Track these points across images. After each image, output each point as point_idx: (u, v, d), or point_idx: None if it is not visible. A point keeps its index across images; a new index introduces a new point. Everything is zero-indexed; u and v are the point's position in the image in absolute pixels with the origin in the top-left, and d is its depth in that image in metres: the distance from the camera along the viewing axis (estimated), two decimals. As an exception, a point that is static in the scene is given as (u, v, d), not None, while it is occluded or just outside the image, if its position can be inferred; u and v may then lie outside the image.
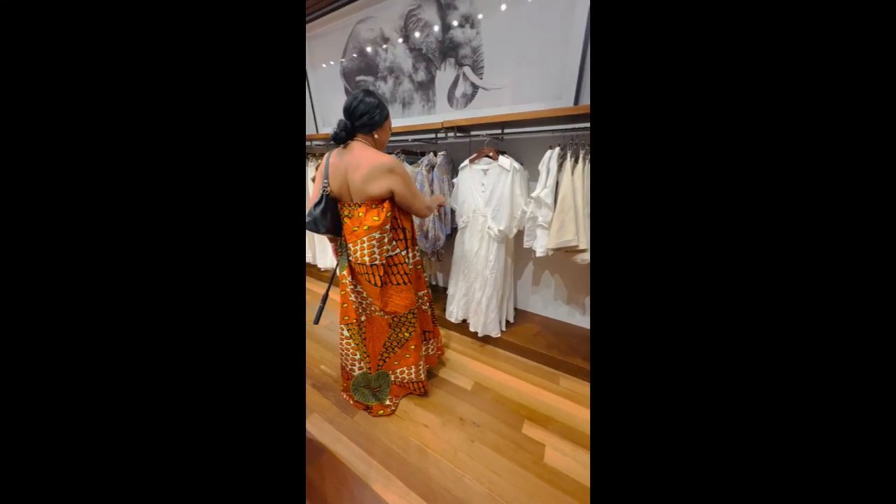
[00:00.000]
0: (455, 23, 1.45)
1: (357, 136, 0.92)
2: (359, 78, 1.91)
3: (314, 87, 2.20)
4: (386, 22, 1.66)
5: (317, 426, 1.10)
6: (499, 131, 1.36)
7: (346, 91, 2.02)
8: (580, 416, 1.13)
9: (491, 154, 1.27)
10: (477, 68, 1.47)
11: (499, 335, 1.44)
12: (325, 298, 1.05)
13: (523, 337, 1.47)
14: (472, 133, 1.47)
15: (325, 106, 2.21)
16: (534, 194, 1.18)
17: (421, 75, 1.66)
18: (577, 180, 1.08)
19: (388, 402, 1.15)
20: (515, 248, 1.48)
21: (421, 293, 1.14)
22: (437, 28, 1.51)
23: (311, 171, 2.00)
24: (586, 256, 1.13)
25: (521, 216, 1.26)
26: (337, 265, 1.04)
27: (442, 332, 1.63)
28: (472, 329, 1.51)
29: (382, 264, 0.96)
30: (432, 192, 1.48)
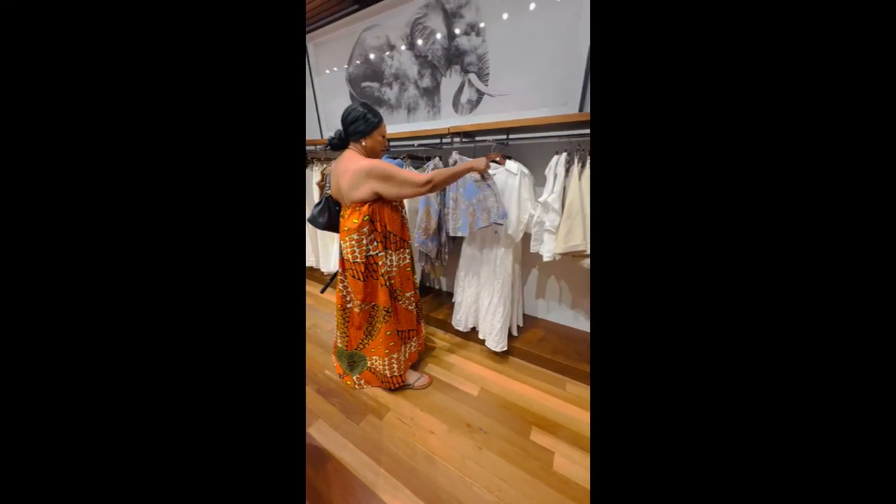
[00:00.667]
0: (461, 31, 1.48)
1: (350, 143, 1.02)
2: (364, 84, 1.93)
3: (319, 93, 2.22)
4: (392, 30, 1.69)
5: (322, 432, 1.09)
6: (504, 137, 1.37)
7: (352, 97, 2.04)
8: (588, 422, 1.12)
9: (498, 159, 1.28)
10: (482, 75, 1.48)
11: (506, 347, 1.43)
12: (333, 277, 1.26)
13: (529, 342, 1.46)
14: (478, 138, 1.48)
15: (330, 112, 2.23)
16: (541, 199, 1.18)
17: (426, 82, 1.68)
18: (584, 185, 1.09)
19: (355, 379, 1.27)
20: (522, 253, 1.48)
21: (408, 294, 1.20)
22: (442, 36, 1.54)
23: (316, 175, 2.00)
24: (593, 261, 1.13)
25: (528, 220, 1.27)
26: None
27: (447, 338, 1.63)
28: (480, 337, 1.49)
29: (363, 262, 1.06)
30: (442, 196, 1.48)
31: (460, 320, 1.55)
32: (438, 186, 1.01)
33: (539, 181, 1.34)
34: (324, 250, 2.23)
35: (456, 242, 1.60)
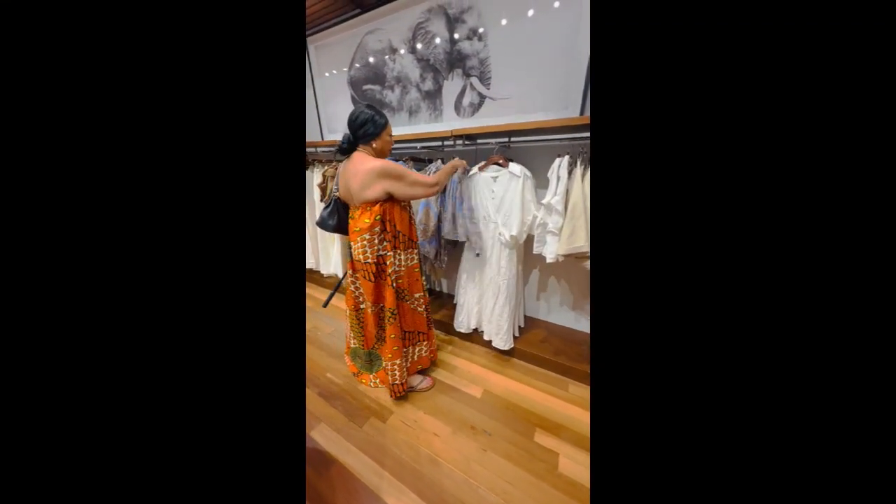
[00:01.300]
0: (463, 35, 1.50)
1: (359, 146, 1.03)
2: (366, 87, 1.94)
3: (320, 96, 2.22)
4: (394, 34, 1.70)
5: (325, 436, 1.07)
6: (506, 139, 1.39)
7: (353, 99, 2.04)
8: (592, 423, 1.12)
9: (501, 161, 1.29)
10: (484, 79, 1.50)
11: (512, 345, 1.43)
12: (337, 286, 1.28)
13: (531, 343, 1.46)
14: (480, 141, 1.50)
15: (331, 114, 2.24)
16: (544, 201, 1.19)
17: (428, 85, 1.69)
18: (587, 187, 1.10)
19: (372, 377, 1.26)
20: (523, 254, 1.49)
21: (417, 295, 1.19)
22: (444, 40, 1.55)
23: (317, 177, 2.00)
24: (596, 262, 1.14)
25: (531, 222, 1.28)
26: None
27: (448, 340, 1.62)
28: (486, 338, 1.49)
29: (375, 262, 1.06)
30: (442, 198, 1.49)
31: (462, 322, 1.55)
32: (442, 186, 1.09)
33: (541, 184, 1.35)
34: (324, 252, 2.22)
35: (456, 245, 1.60)
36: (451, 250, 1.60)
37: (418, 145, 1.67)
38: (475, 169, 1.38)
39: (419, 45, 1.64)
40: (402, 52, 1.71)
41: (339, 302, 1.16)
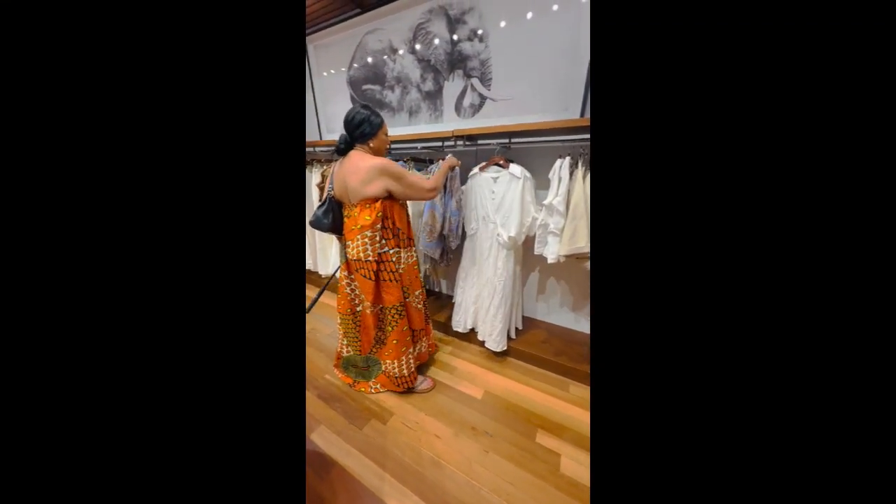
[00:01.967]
0: (464, 36, 1.50)
1: (356, 145, 1.04)
2: (366, 87, 1.94)
3: (319, 95, 2.21)
4: (395, 34, 1.70)
5: (325, 439, 1.06)
6: (506, 140, 1.39)
7: (353, 99, 2.03)
8: (593, 424, 1.12)
9: (501, 162, 1.30)
10: (485, 80, 1.50)
11: (506, 347, 1.43)
12: (321, 292, 1.21)
13: (531, 344, 1.46)
14: (480, 142, 1.50)
15: (330, 114, 2.22)
16: (546, 202, 1.20)
17: (429, 85, 1.69)
18: (588, 189, 1.11)
19: (371, 384, 1.24)
20: (522, 255, 1.49)
21: (416, 292, 1.19)
22: (445, 41, 1.55)
23: (316, 176, 1.99)
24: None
25: (530, 223, 1.28)
26: (336, 268, 1.21)
27: (448, 340, 1.62)
28: (480, 338, 1.49)
29: (375, 260, 1.05)
30: (446, 200, 1.49)
31: (459, 321, 1.54)
32: (438, 190, 1.11)
33: (540, 185, 1.36)
34: (321, 253, 2.20)
35: (459, 245, 1.60)
36: (455, 250, 1.60)
37: (419, 145, 1.66)
38: (476, 169, 1.38)
39: (419, 46, 1.64)
40: (402, 52, 1.70)
41: (332, 300, 1.13)
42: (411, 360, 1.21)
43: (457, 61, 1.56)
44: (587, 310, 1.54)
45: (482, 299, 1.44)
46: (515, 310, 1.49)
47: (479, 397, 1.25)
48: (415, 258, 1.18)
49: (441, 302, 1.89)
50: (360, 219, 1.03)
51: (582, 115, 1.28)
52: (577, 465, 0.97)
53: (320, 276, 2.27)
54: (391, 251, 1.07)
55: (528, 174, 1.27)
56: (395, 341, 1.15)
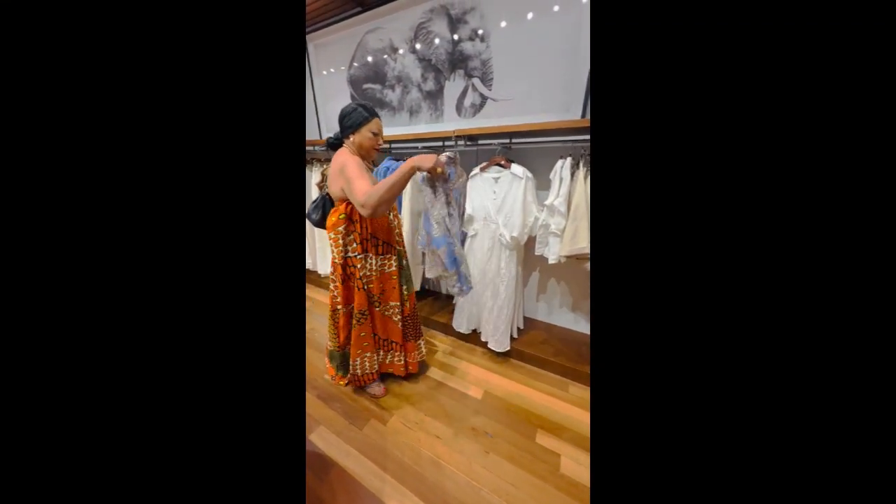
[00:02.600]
0: (465, 36, 1.50)
1: (344, 141, 1.01)
2: (366, 86, 1.93)
3: (319, 94, 2.20)
4: (395, 33, 1.70)
5: (324, 439, 1.05)
6: (507, 140, 1.39)
7: (353, 98, 2.03)
8: (593, 424, 1.12)
9: (503, 162, 1.29)
10: (486, 80, 1.50)
11: (509, 347, 1.43)
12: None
13: (531, 345, 1.47)
14: (481, 142, 1.50)
15: (330, 113, 2.22)
16: (547, 202, 1.20)
17: (430, 85, 1.69)
18: (589, 189, 1.11)
19: (347, 378, 1.20)
20: (524, 256, 1.49)
21: (392, 304, 1.12)
22: (446, 40, 1.55)
23: (316, 175, 1.98)
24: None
25: (532, 223, 1.28)
26: None
27: (448, 341, 1.62)
28: (483, 339, 1.49)
29: (340, 263, 1.04)
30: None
31: (461, 322, 1.54)
32: (380, 206, 0.83)
33: (541, 185, 1.36)
34: (321, 252, 2.19)
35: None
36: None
37: (419, 145, 1.66)
38: (476, 170, 1.38)
39: (420, 45, 1.63)
40: (403, 51, 1.70)
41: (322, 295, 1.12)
42: (367, 363, 1.15)
43: (458, 61, 1.55)
44: (587, 310, 1.54)
45: (484, 300, 1.43)
46: (517, 310, 1.49)
47: (479, 398, 1.25)
48: (395, 267, 1.10)
49: (441, 302, 1.88)
50: (330, 218, 1.02)
51: (583, 115, 1.28)
52: (577, 465, 0.97)
53: (320, 275, 2.26)
54: (358, 256, 1.01)
55: (529, 174, 1.27)
56: (353, 340, 1.12)
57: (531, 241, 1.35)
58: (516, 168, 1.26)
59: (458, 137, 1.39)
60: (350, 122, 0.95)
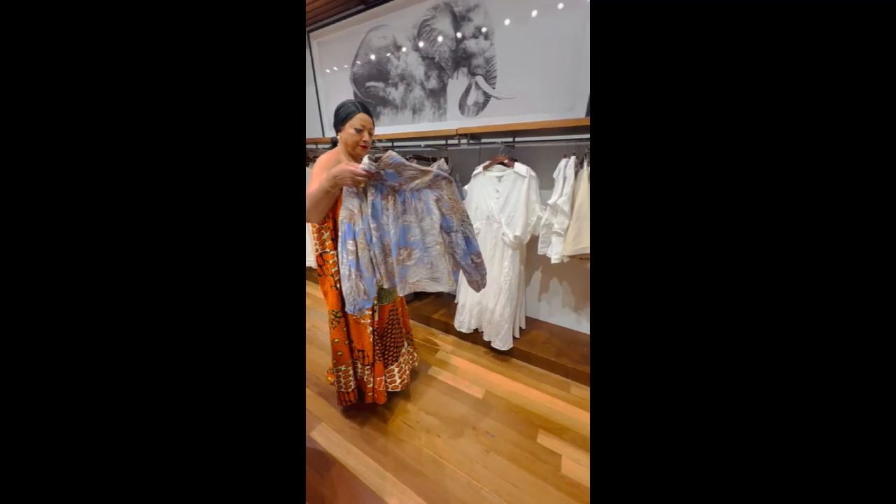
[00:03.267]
0: (469, 34, 1.49)
1: (339, 139, 0.97)
2: (369, 84, 1.93)
3: (322, 92, 2.20)
4: (399, 31, 1.69)
5: (325, 436, 1.06)
6: (510, 139, 1.38)
7: (356, 96, 2.03)
8: (594, 425, 1.12)
9: (506, 161, 1.29)
10: (490, 78, 1.50)
11: (511, 346, 1.43)
12: None
13: (532, 345, 1.46)
14: (483, 140, 1.49)
15: (333, 111, 2.22)
16: (550, 201, 1.19)
17: (433, 83, 1.68)
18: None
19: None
20: (526, 255, 1.49)
21: (365, 314, 1.00)
22: (450, 38, 1.54)
23: (317, 174, 1.98)
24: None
25: (535, 222, 1.27)
26: None
27: (449, 340, 1.61)
28: (486, 338, 1.48)
29: (317, 262, 1.00)
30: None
31: (463, 322, 1.54)
32: (310, 216, 0.83)
33: (544, 184, 1.35)
34: (323, 250, 2.19)
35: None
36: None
37: (422, 144, 1.65)
38: (479, 168, 1.37)
39: (423, 43, 1.63)
40: (406, 49, 1.69)
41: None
42: (341, 379, 1.06)
43: (461, 59, 1.55)
44: (589, 310, 1.54)
45: (487, 299, 1.43)
46: (519, 310, 1.49)
47: (480, 397, 1.25)
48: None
49: (441, 301, 1.88)
50: None
51: (587, 114, 1.27)
52: (578, 465, 0.96)
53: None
54: (329, 252, 0.95)
55: (532, 173, 1.27)
56: (331, 347, 1.03)
57: (534, 240, 1.34)
58: (520, 167, 1.26)
59: (462, 136, 1.39)
60: (337, 118, 0.93)
